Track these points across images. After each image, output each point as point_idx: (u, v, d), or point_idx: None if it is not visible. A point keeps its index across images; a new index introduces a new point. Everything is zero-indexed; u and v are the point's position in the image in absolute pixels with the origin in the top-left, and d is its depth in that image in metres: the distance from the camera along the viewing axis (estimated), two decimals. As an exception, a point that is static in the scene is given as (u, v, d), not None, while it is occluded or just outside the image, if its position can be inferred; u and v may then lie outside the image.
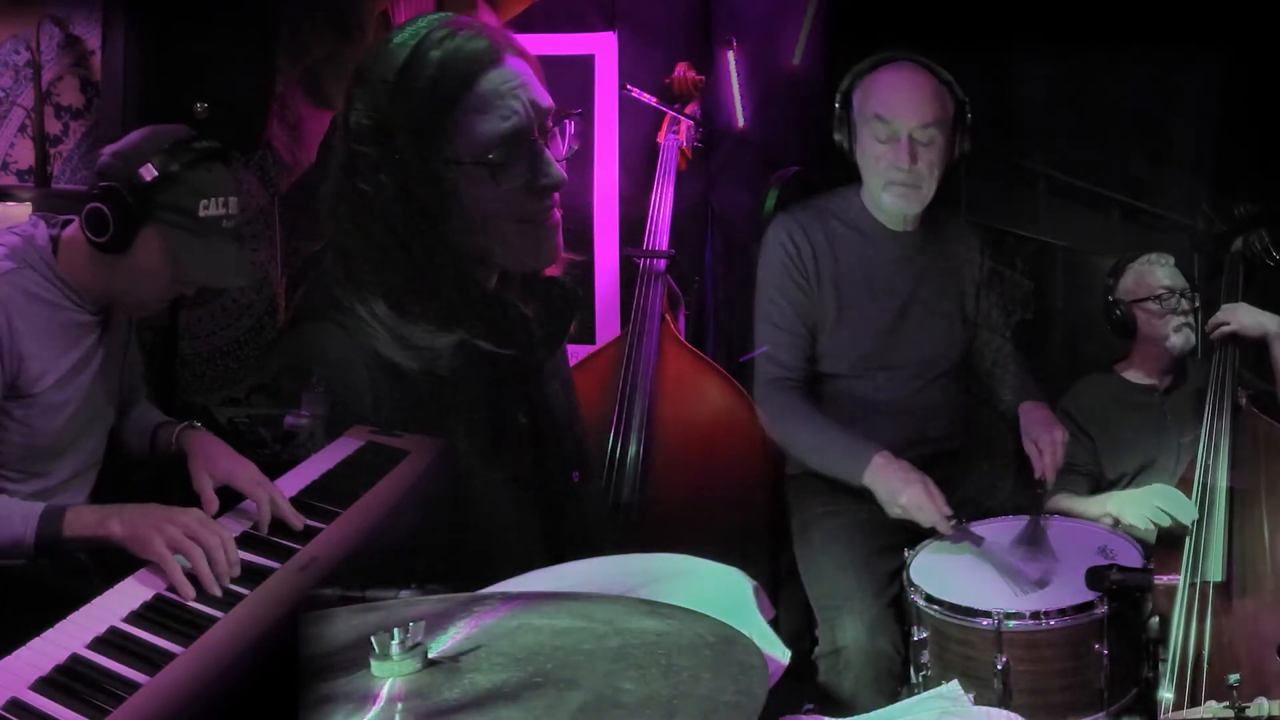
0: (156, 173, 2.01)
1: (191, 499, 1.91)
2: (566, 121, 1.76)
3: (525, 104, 1.68)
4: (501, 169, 1.66)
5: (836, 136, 2.69)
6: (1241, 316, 2.58)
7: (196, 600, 1.58)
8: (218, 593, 1.60)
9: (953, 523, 2.39)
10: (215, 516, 1.83)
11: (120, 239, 2.04)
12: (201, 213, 2.04)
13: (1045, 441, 2.59)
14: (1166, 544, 2.37)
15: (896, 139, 2.57)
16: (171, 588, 1.62)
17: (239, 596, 1.57)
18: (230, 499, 1.91)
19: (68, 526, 1.85)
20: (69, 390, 2.11)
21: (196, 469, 1.95)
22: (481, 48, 1.67)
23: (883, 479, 2.45)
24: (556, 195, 1.74)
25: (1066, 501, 2.62)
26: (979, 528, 2.43)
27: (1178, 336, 2.73)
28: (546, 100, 1.72)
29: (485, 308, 1.74)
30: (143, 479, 2.27)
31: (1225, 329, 2.58)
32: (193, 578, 1.63)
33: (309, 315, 1.78)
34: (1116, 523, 2.48)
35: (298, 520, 1.76)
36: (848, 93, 2.66)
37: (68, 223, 2.13)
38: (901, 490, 2.42)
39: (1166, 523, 2.37)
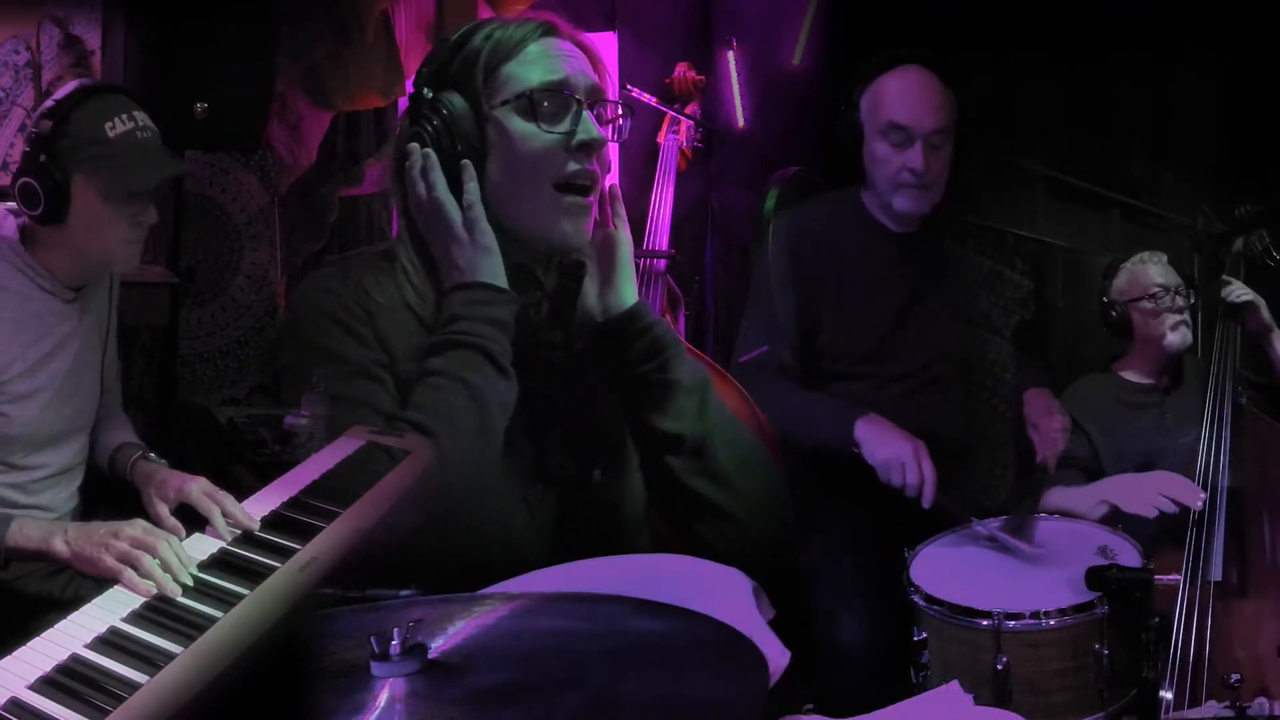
0: (51, 121, 2.03)
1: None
2: (617, 109, 1.75)
3: (576, 71, 1.69)
4: (545, 110, 1.66)
5: (840, 139, 2.69)
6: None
7: (197, 600, 1.58)
8: (176, 592, 1.58)
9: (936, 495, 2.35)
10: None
11: (54, 206, 2.04)
12: (111, 133, 2.04)
13: (1045, 427, 2.59)
14: (1166, 544, 2.37)
15: (910, 144, 2.57)
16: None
17: (239, 596, 1.57)
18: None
19: (11, 537, 1.85)
20: (40, 378, 2.10)
21: (149, 499, 1.92)
22: (540, 22, 1.72)
23: (874, 428, 2.43)
24: (597, 173, 1.69)
25: (1061, 495, 2.61)
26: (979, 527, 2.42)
27: (1174, 334, 2.73)
28: (603, 86, 1.73)
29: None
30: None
31: (1244, 296, 2.59)
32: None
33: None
34: (1117, 514, 2.47)
35: (251, 523, 1.73)
36: (852, 95, 2.66)
37: None
38: (892, 442, 2.39)
39: (1173, 510, 2.36)
